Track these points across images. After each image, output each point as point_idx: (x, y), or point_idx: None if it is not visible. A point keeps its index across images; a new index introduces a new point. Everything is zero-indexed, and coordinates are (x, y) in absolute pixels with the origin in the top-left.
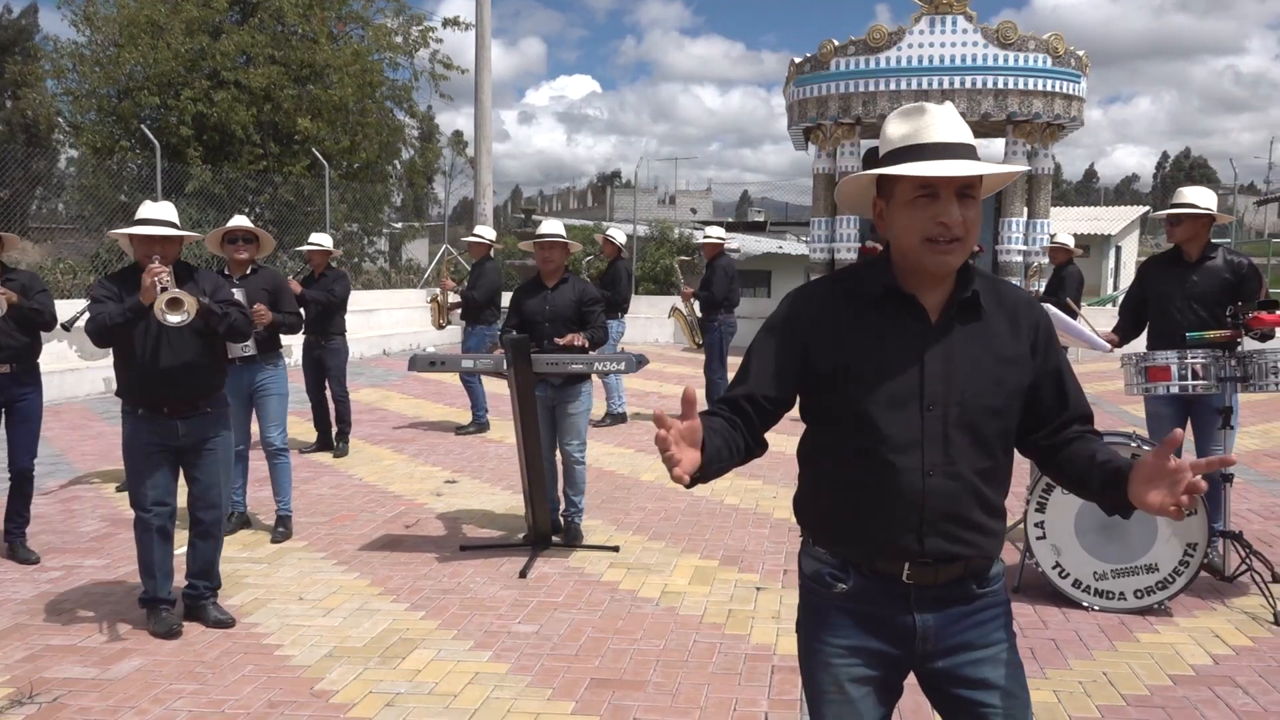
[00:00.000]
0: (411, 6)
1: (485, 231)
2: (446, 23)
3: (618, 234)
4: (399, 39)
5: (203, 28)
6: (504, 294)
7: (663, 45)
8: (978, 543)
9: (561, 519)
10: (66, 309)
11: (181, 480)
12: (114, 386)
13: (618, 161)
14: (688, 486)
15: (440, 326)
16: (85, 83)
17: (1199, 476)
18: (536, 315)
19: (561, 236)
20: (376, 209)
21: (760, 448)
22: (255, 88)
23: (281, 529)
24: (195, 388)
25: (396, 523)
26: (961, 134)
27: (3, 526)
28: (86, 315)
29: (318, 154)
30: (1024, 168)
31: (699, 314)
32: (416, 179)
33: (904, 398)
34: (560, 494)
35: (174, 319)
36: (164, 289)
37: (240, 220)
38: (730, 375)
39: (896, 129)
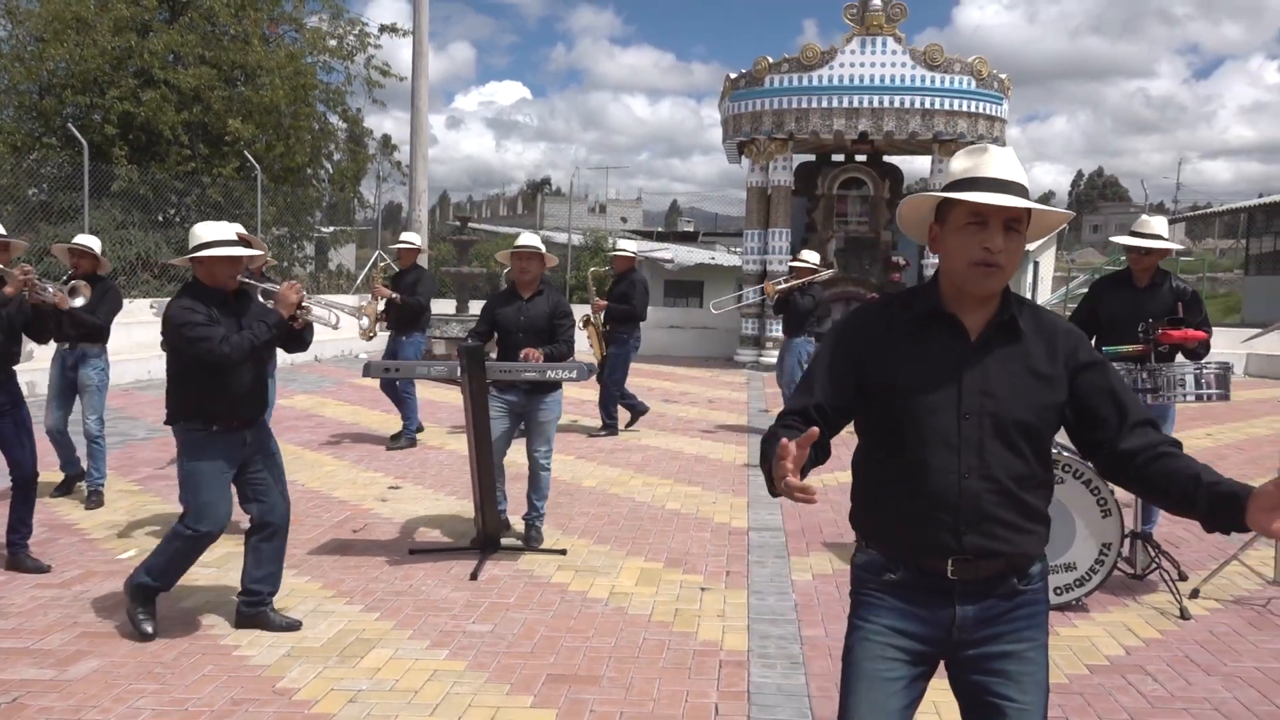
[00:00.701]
0: (348, 10)
1: (413, 237)
2: (384, 29)
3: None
4: (333, 42)
5: (131, 26)
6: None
7: (593, 54)
8: (1012, 539)
9: (522, 521)
10: None
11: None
12: (39, 390)
13: (547, 168)
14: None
15: (369, 337)
16: (4, 78)
17: None
18: (511, 325)
19: (539, 249)
20: (307, 213)
21: (825, 455)
22: (185, 88)
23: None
24: (265, 398)
25: (343, 527)
26: (1016, 174)
27: (4, 537)
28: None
29: (249, 156)
30: (1069, 213)
31: (605, 325)
32: (348, 184)
33: (943, 406)
34: (522, 498)
35: (365, 322)
36: (305, 304)
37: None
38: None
39: (959, 164)
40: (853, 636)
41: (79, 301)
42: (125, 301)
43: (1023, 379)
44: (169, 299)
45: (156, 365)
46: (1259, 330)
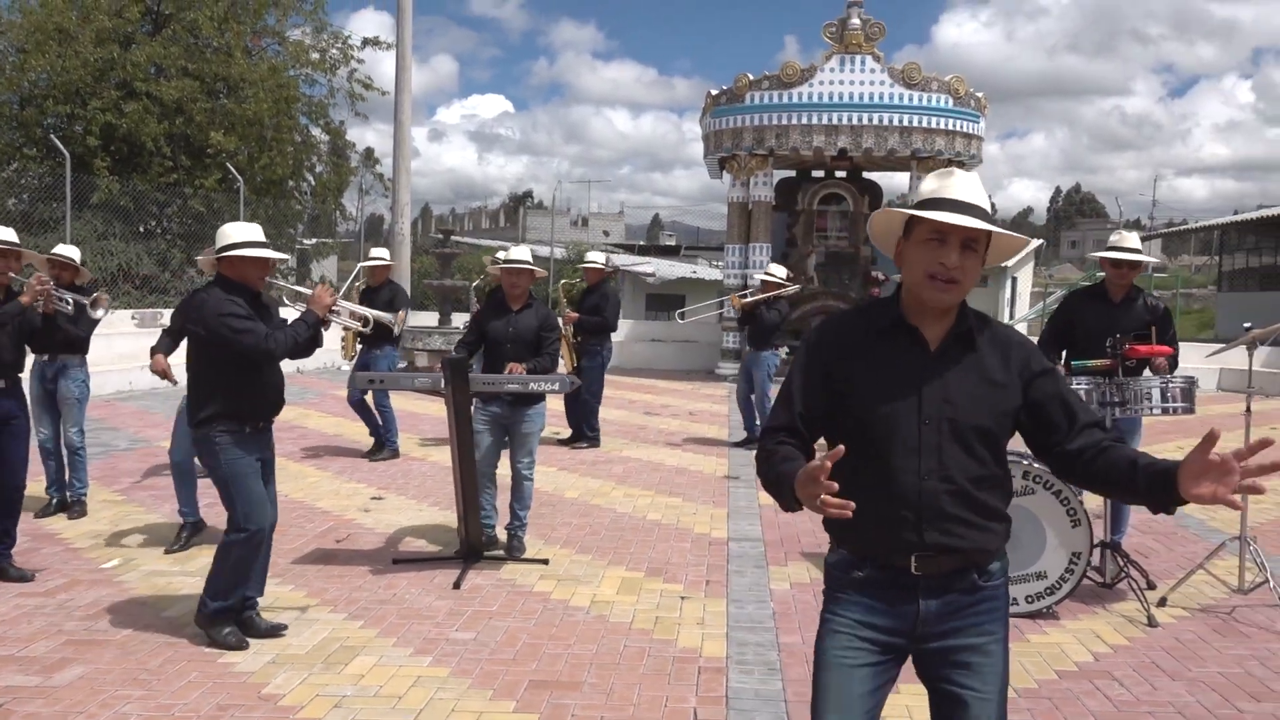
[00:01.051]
0: (331, 24)
1: (383, 253)
2: (367, 42)
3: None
4: (316, 56)
5: (113, 37)
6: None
7: (575, 68)
8: (970, 536)
9: (505, 531)
10: None
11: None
12: None
13: (529, 181)
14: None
15: (352, 356)
16: None
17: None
18: (500, 337)
19: (529, 263)
20: (289, 225)
21: (810, 459)
22: (167, 100)
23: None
24: (283, 399)
25: (327, 537)
26: (977, 197)
27: None
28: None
29: (231, 168)
30: (1026, 238)
31: (576, 337)
32: (330, 196)
33: (905, 413)
34: (505, 508)
35: (398, 329)
36: (337, 310)
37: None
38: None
39: (927, 184)
40: (823, 629)
41: (100, 313)
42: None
43: (979, 387)
44: (151, 310)
45: (138, 376)
46: (1221, 346)
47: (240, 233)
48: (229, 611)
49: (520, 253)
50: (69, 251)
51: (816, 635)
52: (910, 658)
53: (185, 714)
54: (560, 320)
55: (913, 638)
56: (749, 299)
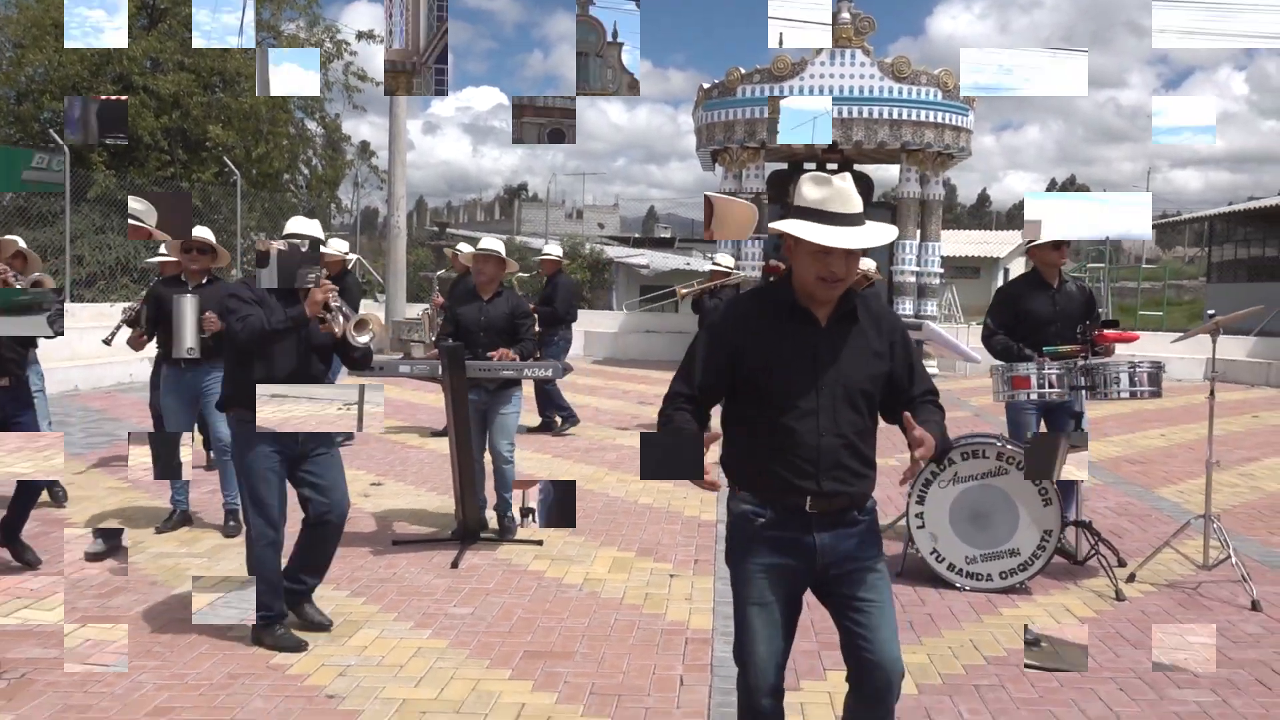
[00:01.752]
0: (325, 18)
1: (342, 245)
2: (361, 35)
3: (466, 247)
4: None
5: None
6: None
7: (570, 60)
8: (855, 483)
9: (495, 513)
10: None
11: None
12: None
13: (524, 174)
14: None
15: None
16: None
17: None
18: (472, 325)
19: (496, 252)
20: (285, 217)
21: (706, 421)
22: (164, 94)
23: (233, 522)
24: None
25: None
26: (856, 205)
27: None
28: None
29: (229, 162)
30: (893, 235)
31: (536, 329)
32: (325, 189)
33: (803, 381)
34: (492, 492)
35: (363, 339)
36: (338, 307)
37: (199, 231)
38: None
39: (811, 193)
40: (739, 576)
41: None
42: (105, 305)
43: (862, 356)
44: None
45: (138, 368)
46: (1182, 333)
47: (293, 226)
48: (273, 620)
49: (490, 242)
50: (15, 241)
51: (732, 580)
52: (813, 589)
53: (198, 682)
54: None
55: (813, 568)
56: (694, 288)
